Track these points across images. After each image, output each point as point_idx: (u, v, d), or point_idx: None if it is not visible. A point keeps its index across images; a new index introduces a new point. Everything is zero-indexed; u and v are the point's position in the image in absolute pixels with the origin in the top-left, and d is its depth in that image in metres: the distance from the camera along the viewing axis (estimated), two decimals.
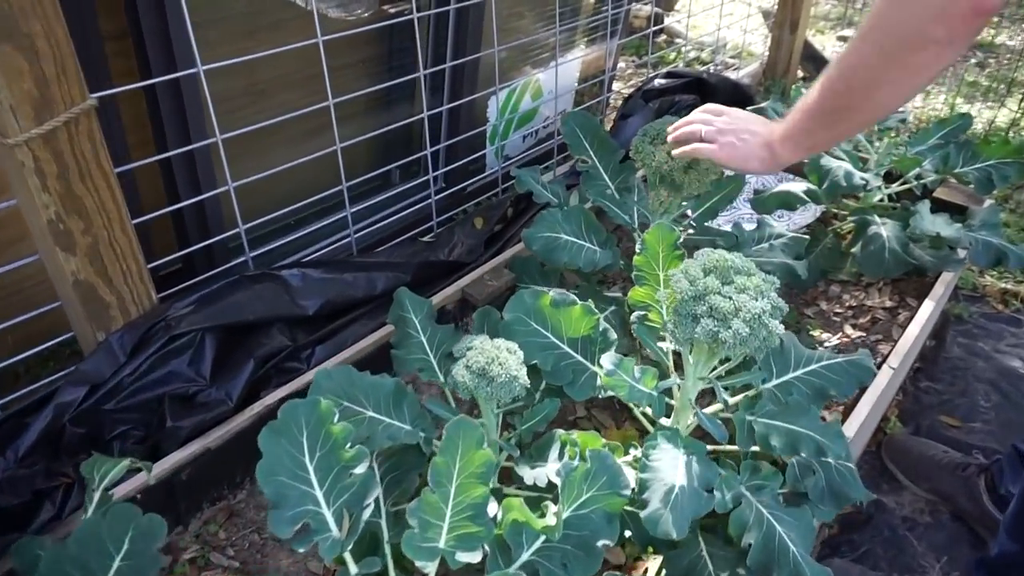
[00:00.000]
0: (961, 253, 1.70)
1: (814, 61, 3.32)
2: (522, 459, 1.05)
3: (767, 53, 3.32)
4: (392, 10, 1.84)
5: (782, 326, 0.95)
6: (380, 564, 0.90)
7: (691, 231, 1.51)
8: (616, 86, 3.20)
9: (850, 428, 1.20)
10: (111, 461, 0.93)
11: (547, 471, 1.00)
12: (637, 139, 1.41)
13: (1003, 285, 2.11)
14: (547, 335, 1.10)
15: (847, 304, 1.74)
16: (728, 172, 1.43)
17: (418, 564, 0.84)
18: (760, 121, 1.19)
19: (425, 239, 1.81)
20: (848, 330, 1.65)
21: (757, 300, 0.95)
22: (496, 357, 0.97)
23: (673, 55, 3.64)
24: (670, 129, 1.27)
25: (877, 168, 1.76)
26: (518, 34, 2.28)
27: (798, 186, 1.70)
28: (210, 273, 1.48)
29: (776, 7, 3.18)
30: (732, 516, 0.99)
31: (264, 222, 1.63)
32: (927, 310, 1.48)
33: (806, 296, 1.80)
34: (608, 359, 1.02)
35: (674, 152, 1.23)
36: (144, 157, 1.58)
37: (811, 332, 1.65)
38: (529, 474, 1.01)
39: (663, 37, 3.70)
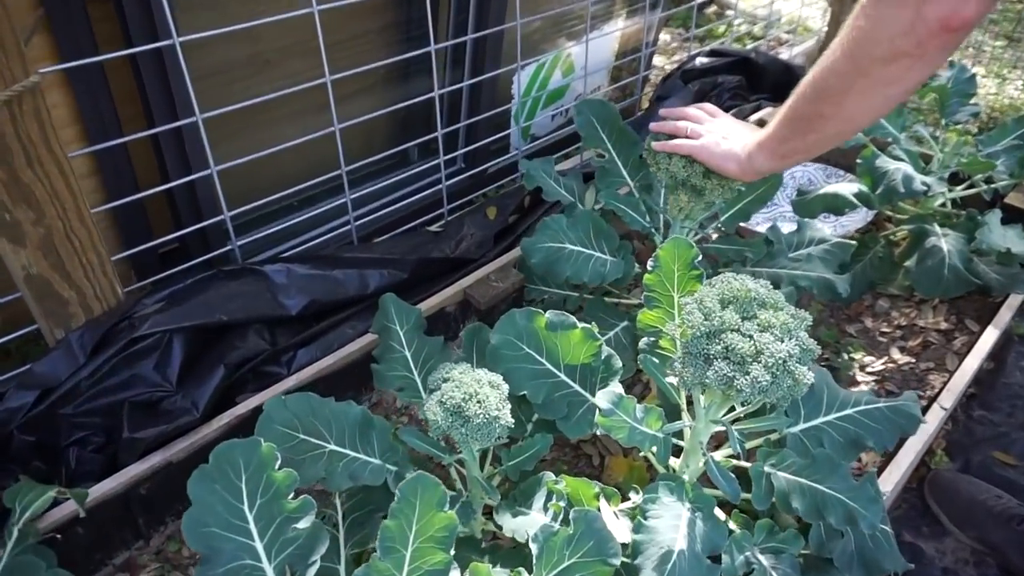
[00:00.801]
0: None
1: None
2: (504, 504, 0.93)
3: (825, 29, 3.06)
4: None
5: (811, 374, 0.80)
6: None
7: (715, 238, 1.34)
8: (659, 61, 2.99)
9: (887, 482, 1.04)
10: (37, 490, 0.84)
11: (529, 524, 0.87)
12: (650, 139, 1.25)
13: None
14: (542, 361, 0.97)
15: (896, 322, 1.55)
16: None
17: None
18: (748, 127, 1.16)
19: (433, 228, 1.68)
20: (895, 354, 1.48)
21: (783, 341, 0.79)
22: (475, 393, 0.84)
23: (722, 28, 3.39)
24: (654, 125, 1.20)
25: (942, 170, 1.56)
26: (547, 4, 2.11)
27: (848, 188, 1.51)
28: (198, 260, 1.39)
29: None
30: None
31: (261, 204, 1.53)
32: (989, 339, 1.30)
33: (850, 311, 1.61)
34: (605, 396, 0.88)
35: (653, 145, 1.18)
36: (137, 131, 1.49)
37: (852, 355, 1.47)
38: (510, 524, 0.88)
39: (713, 8, 3.45)
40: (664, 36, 3.36)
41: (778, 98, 2.29)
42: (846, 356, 1.47)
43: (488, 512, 1.02)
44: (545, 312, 0.97)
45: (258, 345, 1.20)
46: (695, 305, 0.84)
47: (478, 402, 0.83)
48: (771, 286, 0.86)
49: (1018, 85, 2.90)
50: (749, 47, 3.13)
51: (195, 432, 1.10)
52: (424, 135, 1.73)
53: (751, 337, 0.79)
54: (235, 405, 1.18)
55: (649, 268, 1.00)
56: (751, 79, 2.24)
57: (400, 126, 1.95)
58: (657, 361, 0.96)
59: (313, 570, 0.75)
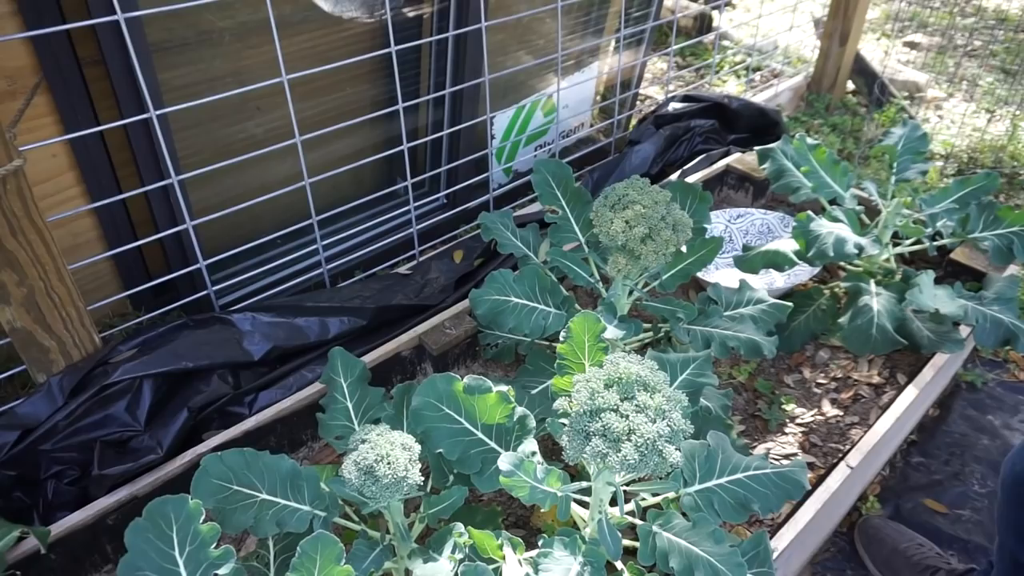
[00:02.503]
0: (965, 330, 1.57)
1: (865, 76, 3.10)
2: (418, 551, 1.03)
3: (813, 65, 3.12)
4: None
5: (678, 454, 0.89)
6: None
7: (652, 298, 1.44)
8: (653, 90, 3.08)
9: (781, 540, 1.13)
10: (4, 528, 0.96)
11: (436, 571, 0.97)
12: (597, 202, 1.35)
13: None
14: (460, 421, 1.07)
15: (832, 374, 1.63)
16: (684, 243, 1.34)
17: None
18: None
19: (402, 270, 1.79)
20: (825, 406, 1.56)
21: (655, 422, 0.89)
22: (386, 455, 0.95)
23: (719, 59, 3.47)
24: None
25: (885, 230, 1.63)
26: (520, 57, 2.21)
27: (789, 245, 1.59)
28: (180, 303, 1.52)
29: (826, 15, 2.98)
30: None
31: (241, 242, 1.66)
32: (905, 400, 1.38)
33: (791, 360, 1.70)
34: (508, 458, 0.99)
35: None
36: (131, 175, 1.63)
37: (784, 406, 1.56)
38: (419, 570, 0.99)
39: (711, 38, 3.52)
40: (661, 65, 3.45)
41: (752, 141, 2.37)
42: (778, 407, 1.55)
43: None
44: (464, 377, 1.07)
45: (221, 389, 1.32)
46: (584, 385, 0.94)
47: (388, 463, 0.94)
48: (656, 367, 0.96)
49: (1007, 124, 2.93)
50: (743, 78, 3.21)
51: (159, 468, 1.23)
52: (407, 175, 1.84)
53: (627, 417, 0.89)
54: (202, 442, 1.30)
55: (562, 339, 1.10)
56: (724, 123, 2.32)
57: (384, 163, 2.07)
58: (561, 426, 1.05)
59: None
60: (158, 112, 1.30)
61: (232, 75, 1.68)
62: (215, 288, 1.58)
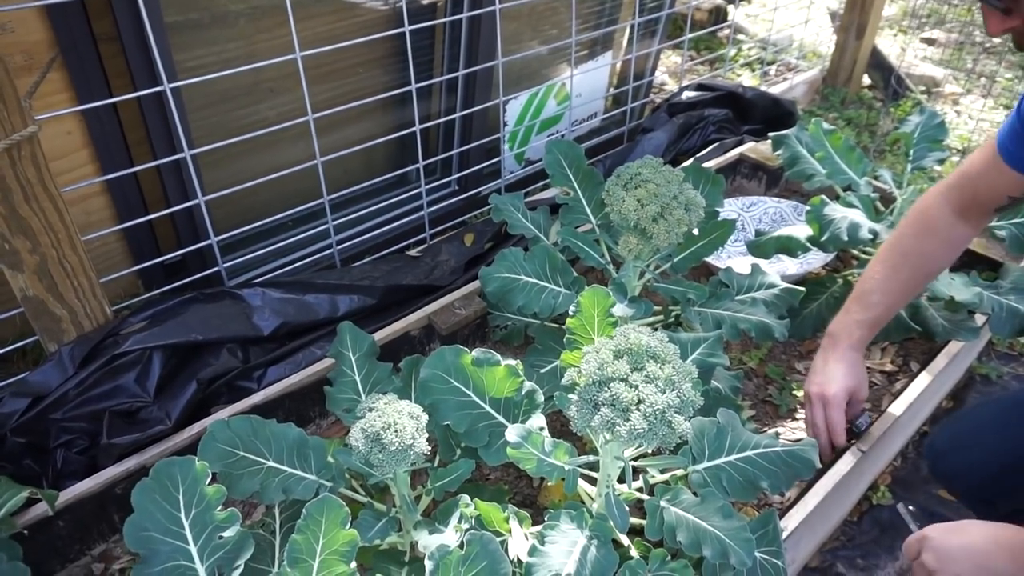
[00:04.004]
0: (980, 319, 1.55)
1: (882, 70, 3.08)
2: (423, 523, 1.03)
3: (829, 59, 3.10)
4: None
5: (687, 424, 0.88)
6: None
7: (664, 279, 1.43)
8: (668, 82, 3.07)
9: (791, 521, 1.12)
10: (12, 489, 0.97)
11: (441, 541, 0.97)
12: (610, 181, 1.34)
13: None
14: (468, 393, 1.07)
15: None
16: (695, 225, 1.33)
17: None
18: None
19: (412, 252, 1.79)
20: None
21: (664, 392, 0.88)
22: (394, 423, 0.94)
23: (733, 52, 3.45)
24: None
25: (897, 218, 1.61)
26: (533, 41, 2.21)
27: (802, 231, 1.58)
28: (190, 279, 1.52)
29: (843, 8, 2.96)
30: None
31: (252, 223, 1.66)
32: (918, 387, 1.36)
33: (802, 347, 1.68)
34: (515, 430, 0.98)
35: None
36: (144, 154, 1.63)
37: (794, 391, 1.54)
38: (424, 541, 0.98)
39: (725, 32, 3.50)
40: (675, 58, 3.43)
41: (766, 131, 2.35)
42: (789, 393, 1.54)
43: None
44: (474, 350, 1.07)
45: (230, 362, 1.32)
46: (594, 354, 0.93)
47: (395, 431, 0.94)
48: (667, 340, 0.95)
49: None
50: (757, 71, 3.19)
51: (167, 440, 1.23)
52: (419, 157, 1.84)
53: (636, 387, 0.88)
54: (210, 415, 1.31)
55: (571, 313, 1.09)
56: (738, 113, 2.31)
57: (396, 148, 2.07)
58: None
59: (238, 572, 0.86)
60: (172, 85, 1.30)
61: (246, 57, 1.69)
62: (226, 266, 1.59)
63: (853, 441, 1.31)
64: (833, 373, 1.24)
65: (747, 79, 3.22)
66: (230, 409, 1.29)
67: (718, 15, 3.53)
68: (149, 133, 1.51)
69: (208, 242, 1.47)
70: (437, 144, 2.15)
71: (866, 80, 3.14)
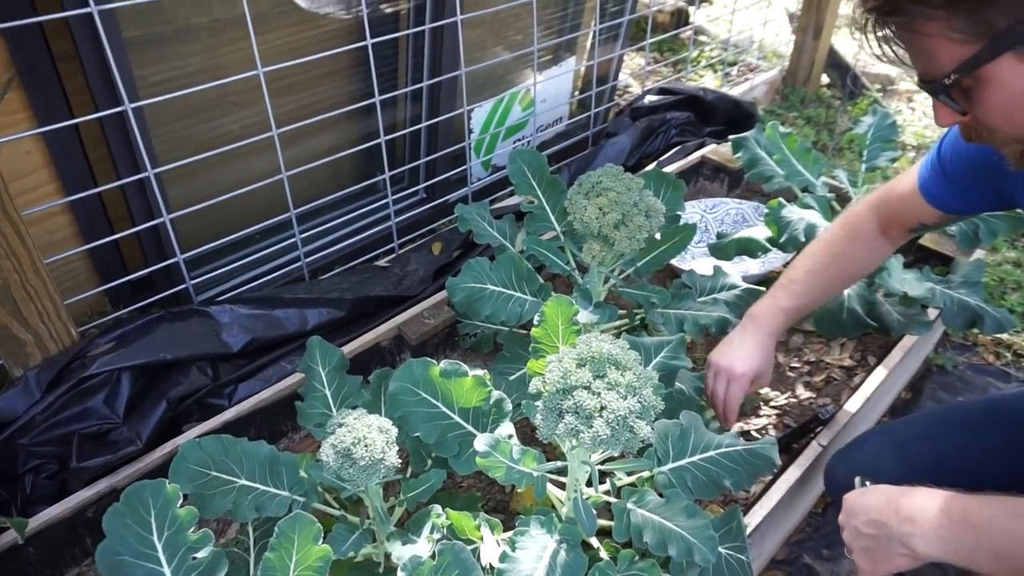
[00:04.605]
0: (933, 313, 1.60)
1: (839, 69, 3.15)
2: (397, 533, 1.05)
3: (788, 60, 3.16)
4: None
5: (648, 428, 0.91)
6: None
7: (627, 284, 1.46)
8: (631, 85, 3.11)
9: (755, 516, 1.15)
10: None
11: (414, 552, 0.99)
12: (572, 190, 1.37)
13: (998, 335, 1.99)
14: (437, 405, 1.09)
15: (806, 358, 1.66)
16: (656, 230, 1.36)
17: None
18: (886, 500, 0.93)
19: (381, 263, 1.80)
20: (799, 389, 1.58)
21: (626, 399, 0.91)
22: (363, 438, 0.96)
23: (696, 54, 3.50)
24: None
25: None
26: (502, 45, 2.23)
27: (761, 232, 1.62)
28: (158, 297, 1.52)
29: (800, 10, 3.03)
30: None
31: (219, 237, 1.66)
32: (875, 381, 1.41)
33: None
34: (483, 440, 1.00)
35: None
36: (107, 171, 1.62)
37: (758, 389, 1.58)
38: (398, 552, 1.00)
39: (687, 33, 3.55)
40: (639, 60, 3.48)
41: (727, 133, 2.40)
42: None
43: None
44: (440, 362, 1.09)
45: (200, 380, 1.33)
46: (556, 364, 0.95)
47: (365, 446, 0.95)
48: (628, 347, 0.98)
49: None
50: (720, 72, 3.25)
51: (138, 460, 1.23)
52: (385, 168, 1.85)
53: (598, 394, 0.91)
54: (181, 433, 1.31)
55: (535, 323, 1.12)
56: (700, 115, 2.35)
57: (363, 157, 2.08)
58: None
59: None
60: (133, 105, 1.30)
61: (208, 71, 1.69)
62: (193, 282, 1.58)
63: (820, 429, 1.36)
64: (746, 352, 1.28)
65: (709, 80, 3.28)
66: (201, 427, 1.30)
67: (680, 17, 3.59)
68: (111, 151, 1.51)
69: (175, 259, 1.47)
70: (404, 153, 2.17)
71: (825, 79, 3.21)
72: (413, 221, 2.07)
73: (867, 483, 1.09)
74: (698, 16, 3.80)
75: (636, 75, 3.24)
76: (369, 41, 1.59)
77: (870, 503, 0.93)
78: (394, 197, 1.95)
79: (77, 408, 1.23)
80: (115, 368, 1.25)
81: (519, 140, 2.45)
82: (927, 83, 0.77)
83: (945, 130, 1.11)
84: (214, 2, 1.59)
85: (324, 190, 1.94)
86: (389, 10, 1.93)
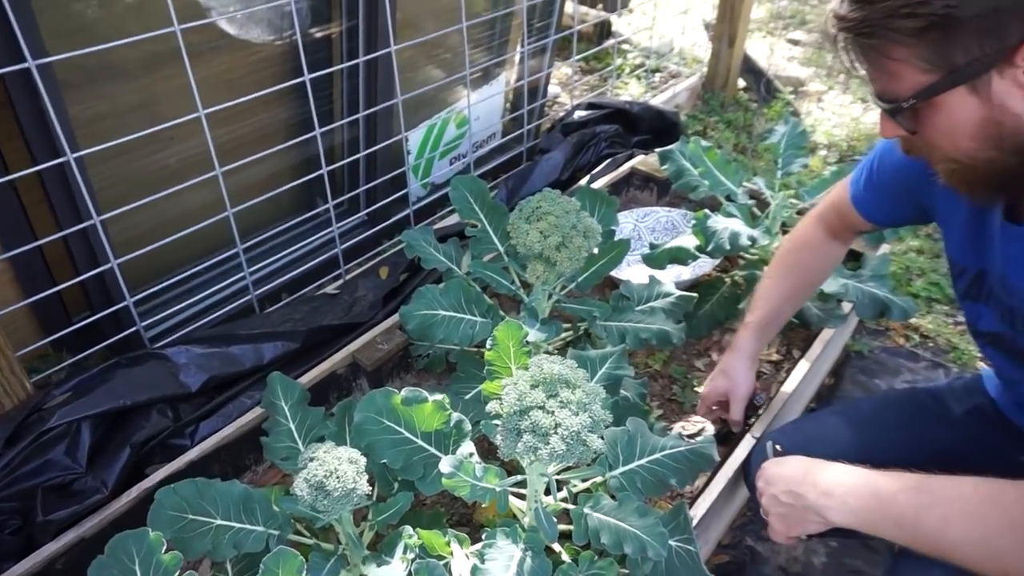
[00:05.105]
0: (847, 306, 1.75)
1: (754, 74, 3.34)
2: (371, 556, 1.10)
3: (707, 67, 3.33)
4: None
5: (599, 441, 1.00)
6: None
7: (570, 298, 1.55)
8: (562, 93, 3.22)
9: (699, 508, 1.26)
10: None
11: (390, 572, 1.05)
12: (513, 215, 1.45)
13: (908, 319, 2.17)
14: (401, 431, 1.15)
15: None
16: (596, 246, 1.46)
17: None
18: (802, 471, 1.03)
19: (329, 290, 1.84)
20: None
21: (578, 415, 0.99)
22: (335, 470, 1.01)
23: (620, 62, 3.64)
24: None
25: (771, 222, 1.80)
26: (435, 69, 2.29)
27: (690, 241, 1.74)
28: (108, 342, 1.52)
29: (715, 19, 3.19)
30: None
31: (162, 273, 1.66)
32: (799, 373, 1.54)
33: (700, 345, 1.85)
34: (448, 461, 1.07)
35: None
36: (43, 215, 1.60)
37: (696, 388, 1.71)
38: (373, 573, 1.06)
39: (611, 42, 3.69)
40: (566, 70, 3.59)
41: (654, 142, 2.53)
42: (691, 390, 1.70)
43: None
44: (402, 389, 1.15)
45: (161, 423, 1.35)
46: (512, 387, 1.03)
47: (337, 477, 1.01)
48: (576, 365, 1.06)
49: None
50: (644, 80, 3.39)
51: (105, 508, 1.25)
52: (328, 197, 1.88)
53: (552, 413, 0.99)
54: (145, 477, 1.33)
55: (488, 347, 1.19)
56: (627, 127, 2.47)
57: (303, 185, 2.10)
58: (494, 427, 1.14)
59: None
60: (75, 155, 1.31)
61: (143, 104, 1.69)
62: (144, 324, 1.59)
63: (756, 415, 1.50)
64: (734, 379, 1.43)
65: (635, 88, 3.42)
66: (166, 468, 1.32)
67: (603, 29, 3.72)
68: (50, 198, 1.50)
69: (124, 303, 1.48)
70: (343, 180, 2.20)
71: (741, 83, 3.39)
72: (357, 245, 2.11)
73: (778, 448, 1.21)
74: (620, 25, 3.95)
75: (565, 85, 3.34)
76: (307, 76, 1.63)
77: (788, 474, 1.04)
78: (338, 225, 1.99)
79: (38, 461, 1.23)
80: (74, 419, 1.26)
81: (456, 159, 2.51)
82: (885, 101, 0.85)
83: (875, 149, 1.23)
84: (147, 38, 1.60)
85: (265, 216, 1.96)
86: (320, 35, 1.97)
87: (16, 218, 1.56)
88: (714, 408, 1.50)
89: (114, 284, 1.59)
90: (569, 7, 3.46)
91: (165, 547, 0.91)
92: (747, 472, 1.34)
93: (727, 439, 1.53)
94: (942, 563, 0.86)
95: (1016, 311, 0.96)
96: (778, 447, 1.13)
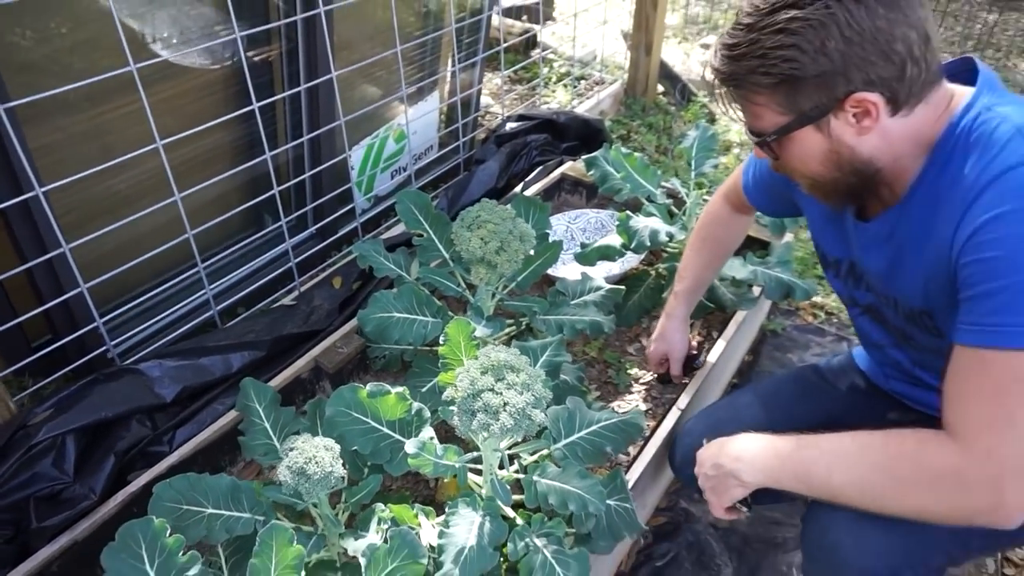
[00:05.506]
0: (757, 290, 1.98)
1: (671, 79, 3.58)
2: (348, 532, 1.25)
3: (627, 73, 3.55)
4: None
5: (542, 415, 1.17)
6: None
7: (511, 297, 1.72)
8: (493, 102, 3.39)
9: (634, 473, 1.45)
10: None
11: (368, 542, 1.20)
12: (456, 225, 1.61)
13: (813, 299, 2.43)
14: (368, 421, 1.29)
15: None
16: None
17: None
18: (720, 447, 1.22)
19: (286, 302, 1.96)
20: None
21: (522, 394, 1.16)
22: (313, 456, 1.15)
23: (547, 71, 3.84)
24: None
25: (688, 219, 2.01)
26: (372, 87, 2.43)
27: (616, 239, 1.94)
28: (77, 364, 1.61)
29: (631, 29, 3.42)
30: (521, 563, 1.22)
31: (124, 293, 1.74)
32: (716, 352, 1.75)
33: (630, 333, 2.05)
34: (412, 443, 1.23)
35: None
36: (5, 251, 1.67)
37: (628, 371, 1.90)
38: (352, 546, 1.20)
39: (537, 53, 3.89)
40: (497, 80, 3.77)
41: (581, 148, 2.73)
42: (624, 373, 1.89)
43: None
44: (366, 385, 1.30)
45: (141, 432, 1.45)
46: (465, 374, 1.19)
47: (316, 463, 1.15)
48: (520, 353, 1.23)
49: None
50: (570, 88, 3.59)
51: (95, 512, 1.35)
52: (280, 215, 1.99)
53: (500, 394, 1.16)
54: (128, 483, 1.43)
55: (442, 342, 1.35)
56: (556, 135, 2.66)
57: (254, 206, 2.21)
58: (451, 412, 1.30)
59: None
60: (44, 189, 1.41)
61: (95, 131, 1.76)
62: (113, 343, 1.67)
63: (695, 367, 1.75)
64: (671, 339, 1.71)
65: (562, 94, 3.62)
66: (149, 474, 1.43)
67: (529, 41, 3.92)
68: (12, 229, 1.57)
69: (94, 324, 1.57)
70: (290, 200, 2.32)
71: (660, 88, 3.64)
72: (308, 259, 2.24)
73: (704, 441, 1.41)
74: (545, 35, 4.15)
75: (496, 96, 3.52)
76: (255, 104, 1.75)
77: (710, 452, 1.23)
78: (282, 244, 2.11)
79: (27, 475, 1.33)
80: (59, 432, 1.36)
81: (397, 171, 2.65)
82: (753, 134, 1.07)
83: None
84: (99, 66, 1.68)
85: (215, 238, 2.05)
86: (259, 59, 2.08)
87: None
88: (662, 363, 1.76)
89: (79, 307, 1.68)
90: (496, 21, 3.64)
91: (169, 531, 1.04)
92: (672, 453, 1.53)
93: (671, 381, 1.82)
94: (842, 507, 1.06)
95: (875, 287, 1.18)
96: (704, 440, 1.31)
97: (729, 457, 1.18)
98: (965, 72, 1.03)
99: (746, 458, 1.15)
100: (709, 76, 1.05)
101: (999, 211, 0.86)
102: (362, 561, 1.09)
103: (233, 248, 2.10)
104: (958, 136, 0.95)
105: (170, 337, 1.81)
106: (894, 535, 1.03)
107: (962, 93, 0.99)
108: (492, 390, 1.17)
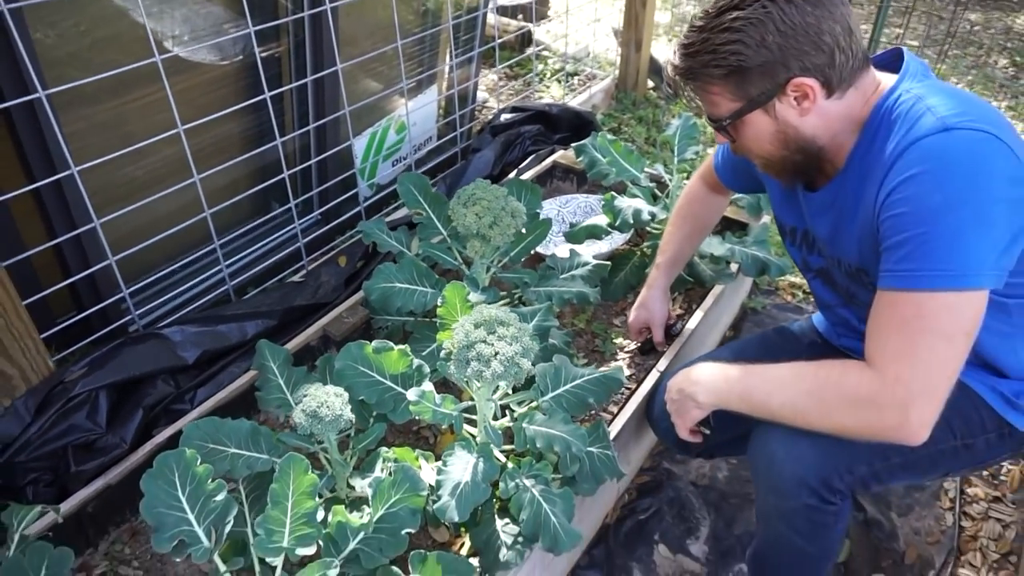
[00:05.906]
0: (734, 267, 2.12)
1: (660, 75, 3.73)
2: (355, 473, 1.39)
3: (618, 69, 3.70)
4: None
5: (528, 363, 1.31)
6: (244, 562, 1.22)
7: (505, 269, 1.87)
8: (490, 97, 3.53)
9: (615, 427, 1.58)
10: (25, 508, 1.21)
11: (375, 476, 1.33)
12: (453, 202, 1.75)
13: (791, 279, 2.57)
14: (373, 374, 1.43)
15: None
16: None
17: (268, 560, 1.17)
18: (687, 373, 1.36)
19: (296, 278, 2.10)
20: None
21: (511, 345, 1.30)
22: (325, 401, 1.29)
23: (541, 67, 3.98)
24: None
25: (671, 201, 2.15)
26: (373, 78, 2.58)
27: (602, 219, 2.08)
28: (102, 332, 1.75)
29: (622, 27, 3.56)
30: (512, 500, 1.36)
31: (146, 266, 1.87)
32: (694, 321, 1.89)
33: (616, 307, 2.19)
34: (413, 392, 1.36)
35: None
36: (34, 228, 1.81)
37: (614, 340, 2.04)
38: (359, 484, 1.34)
39: (532, 50, 4.03)
40: (492, 76, 3.91)
41: (572, 139, 2.87)
42: (610, 342, 2.03)
43: None
44: (372, 341, 1.43)
45: (165, 390, 1.59)
46: (460, 328, 1.33)
47: (327, 407, 1.29)
48: (509, 311, 1.37)
49: None
50: (564, 84, 3.74)
51: (126, 460, 1.49)
52: (290, 199, 2.13)
53: (492, 344, 1.30)
54: (153, 437, 1.57)
55: (440, 304, 1.49)
56: (548, 126, 2.80)
57: (263, 191, 2.35)
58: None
59: (227, 527, 1.18)
60: (78, 168, 1.55)
61: (117, 118, 1.90)
62: (138, 313, 1.80)
63: (674, 334, 1.88)
64: (652, 306, 1.84)
65: (556, 90, 3.76)
66: (171, 428, 1.56)
67: (524, 38, 4.06)
68: (46, 208, 1.71)
69: (121, 294, 1.71)
70: (298, 185, 2.46)
71: (650, 83, 3.78)
72: (315, 240, 2.38)
73: None
74: (540, 33, 4.30)
75: (492, 91, 3.67)
76: (267, 94, 1.89)
77: (675, 379, 1.38)
78: (292, 226, 2.25)
79: (64, 425, 1.47)
80: (93, 388, 1.49)
81: (398, 160, 2.80)
82: (712, 121, 1.22)
83: None
84: (123, 62, 1.81)
85: (225, 221, 2.19)
86: (267, 54, 2.22)
87: (8, 229, 1.76)
88: (642, 331, 1.90)
89: (103, 281, 1.82)
90: (492, 19, 3.78)
91: (200, 461, 1.17)
92: (650, 407, 1.67)
93: (652, 350, 1.94)
94: (780, 425, 1.21)
95: (823, 251, 1.32)
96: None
97: (688, 381, 1.33)
98: (896, 61, 1.17)
99: (701, 381, 1.30)
100: (670, 71, 1.20)
101: (908, 174, 1.01)
102: (368, 492, 1.23)
103: (245, 230, 2.24)
104: (883, 115, 1.10)
105: (187, 311, 1.95)
106: (822, 448, 1.18)
107: (889, 79, 1.13)
108: (484, 341, 1.31)
